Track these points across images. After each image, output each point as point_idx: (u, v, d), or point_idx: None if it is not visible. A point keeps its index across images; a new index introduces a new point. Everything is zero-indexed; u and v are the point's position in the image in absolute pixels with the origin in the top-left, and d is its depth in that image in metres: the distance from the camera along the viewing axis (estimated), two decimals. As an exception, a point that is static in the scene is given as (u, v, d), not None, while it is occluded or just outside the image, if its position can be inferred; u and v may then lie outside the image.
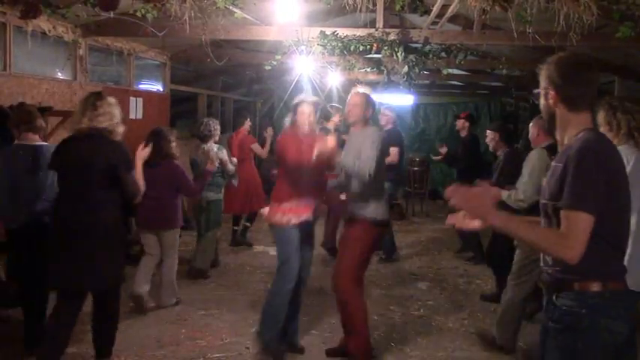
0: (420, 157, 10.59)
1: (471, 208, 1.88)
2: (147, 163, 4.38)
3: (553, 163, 1.97)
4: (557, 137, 2.02)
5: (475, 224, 1.98)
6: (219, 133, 5.87)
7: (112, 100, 3.42)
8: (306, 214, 3.82)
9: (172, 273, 4.88)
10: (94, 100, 3.33)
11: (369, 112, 3.85)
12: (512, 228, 1.84)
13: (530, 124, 4.16)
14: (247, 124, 7.18)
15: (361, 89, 3.93)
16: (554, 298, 1.93)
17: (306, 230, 3.89)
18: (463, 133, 7.01)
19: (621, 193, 1.88)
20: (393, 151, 6.07)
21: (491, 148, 5.32)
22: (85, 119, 3.27)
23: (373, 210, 3.72)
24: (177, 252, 4.95)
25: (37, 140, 3.81)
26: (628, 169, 1.96)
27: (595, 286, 1.85)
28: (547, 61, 2.00)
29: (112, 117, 3.33)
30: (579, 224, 1.77)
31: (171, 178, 4.77)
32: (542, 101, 2.03)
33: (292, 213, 3.78)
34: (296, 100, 3.92)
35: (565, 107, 1.95)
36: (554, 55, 2.01)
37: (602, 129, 3.04)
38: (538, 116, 4.05)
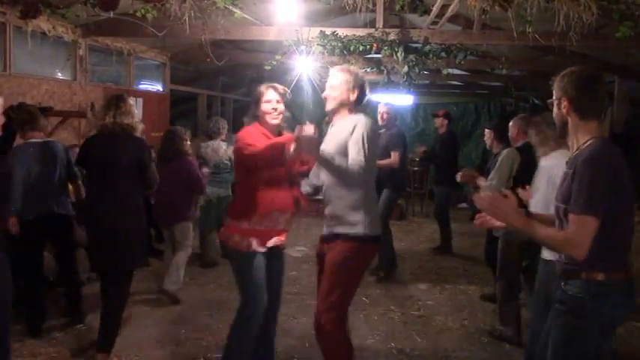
0: (419, 157, 10.58)
1: (495, 213, 2.14)
2: (160, 160, 4.50)
3: (564, 169, 2.18)
4: (569, 143, 2.24)
5: (499, 224, 2.25)
6: (226, 131, 6.05)
7: (131, 101, 3.76)
8: (274, 240, 3.04)
9: (182, 260, 4.99)
10: (116, 100, 3.66)
11: (356, 95, 2.95)
12: (530, 229, 2.10)
13: (510, 124, 4.39)
14: None
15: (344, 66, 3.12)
16: (562, 284, 2.17)
17: (274, 253, 3.10)
18: (441, 131, 7.20)
19: (624, 194, 2.07)
20: (394, 154, 5.62)
21: (487, 146, 5.59)
22: (108, 117, 3.57)
23: (362, 223, 2.87)
24: (190, 242, 5.10)
25: (43, 138, 4.10)
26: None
27: (599, 276, 2.08)
28: (561, 74, 2.20)
29: (133, 115, 3.66)
30: (585, 227, 2.00)
31: (184, 175, 4.94)
32: (555, 110, 2.24)
33: (255, 236, 2.96)
34: (260, 87, 3.18)
35: (577, 116, 2.16)
36: (567, 69, 2.21)
37: (534, 140, 3.59)
38: (517, 117, 4.50)
